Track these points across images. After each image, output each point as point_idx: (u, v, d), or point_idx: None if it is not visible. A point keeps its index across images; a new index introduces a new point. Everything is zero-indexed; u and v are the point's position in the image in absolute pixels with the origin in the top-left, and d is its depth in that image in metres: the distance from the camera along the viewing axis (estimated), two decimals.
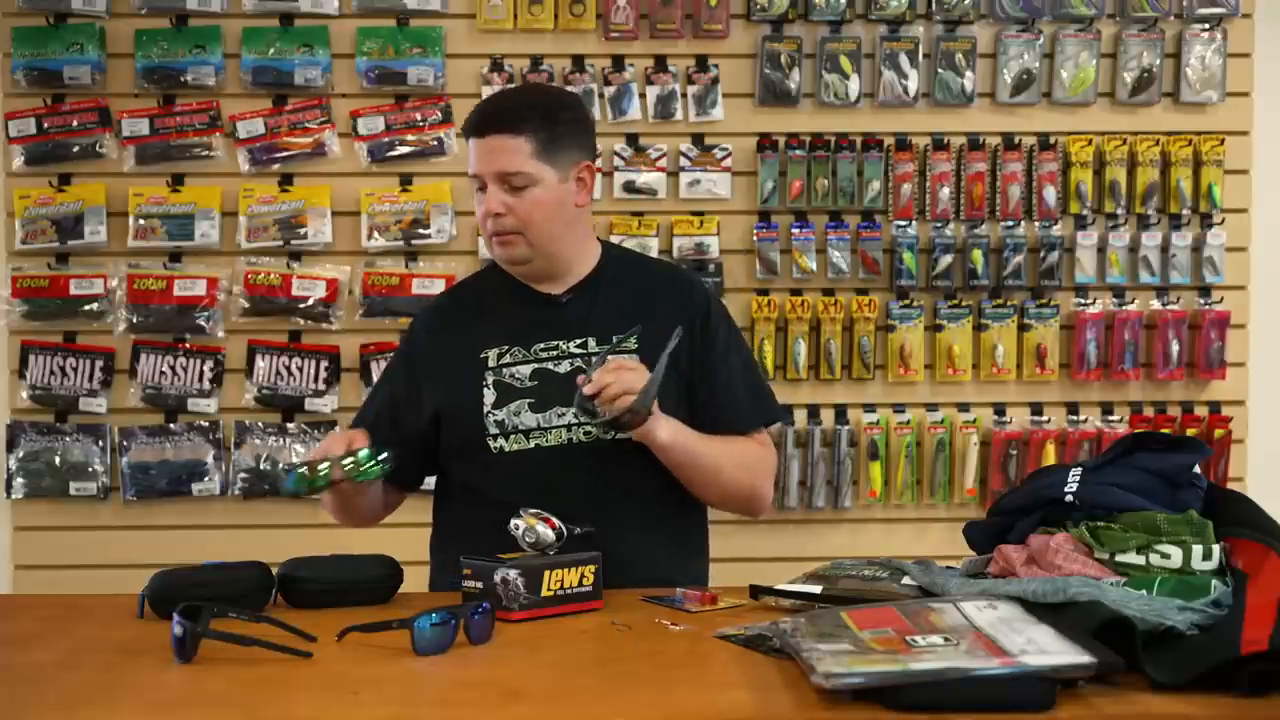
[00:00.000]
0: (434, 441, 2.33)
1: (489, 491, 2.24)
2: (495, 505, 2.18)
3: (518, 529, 1.99)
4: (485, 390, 2.28)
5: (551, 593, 1.90)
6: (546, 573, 1.90)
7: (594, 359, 2.21)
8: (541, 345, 2.29)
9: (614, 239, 3.62)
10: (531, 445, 2.25)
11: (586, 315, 2.31)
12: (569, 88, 3.65)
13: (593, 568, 1.95)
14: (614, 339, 2.26)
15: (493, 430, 2.26)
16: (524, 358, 2.29)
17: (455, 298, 2.54)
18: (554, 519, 2.01)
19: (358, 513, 2.35)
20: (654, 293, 2.36)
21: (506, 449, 2.26)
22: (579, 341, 2.29)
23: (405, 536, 2.41)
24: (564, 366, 2.27)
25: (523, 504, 2.05)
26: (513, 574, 1.88)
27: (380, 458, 2.10)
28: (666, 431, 2.18)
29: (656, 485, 2.26)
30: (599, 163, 3.64)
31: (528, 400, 2.26)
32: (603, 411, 2.11)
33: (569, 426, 2.24)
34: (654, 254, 3.63)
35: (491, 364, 2.29)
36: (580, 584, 1.93)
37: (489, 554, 1.96)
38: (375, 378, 3.62)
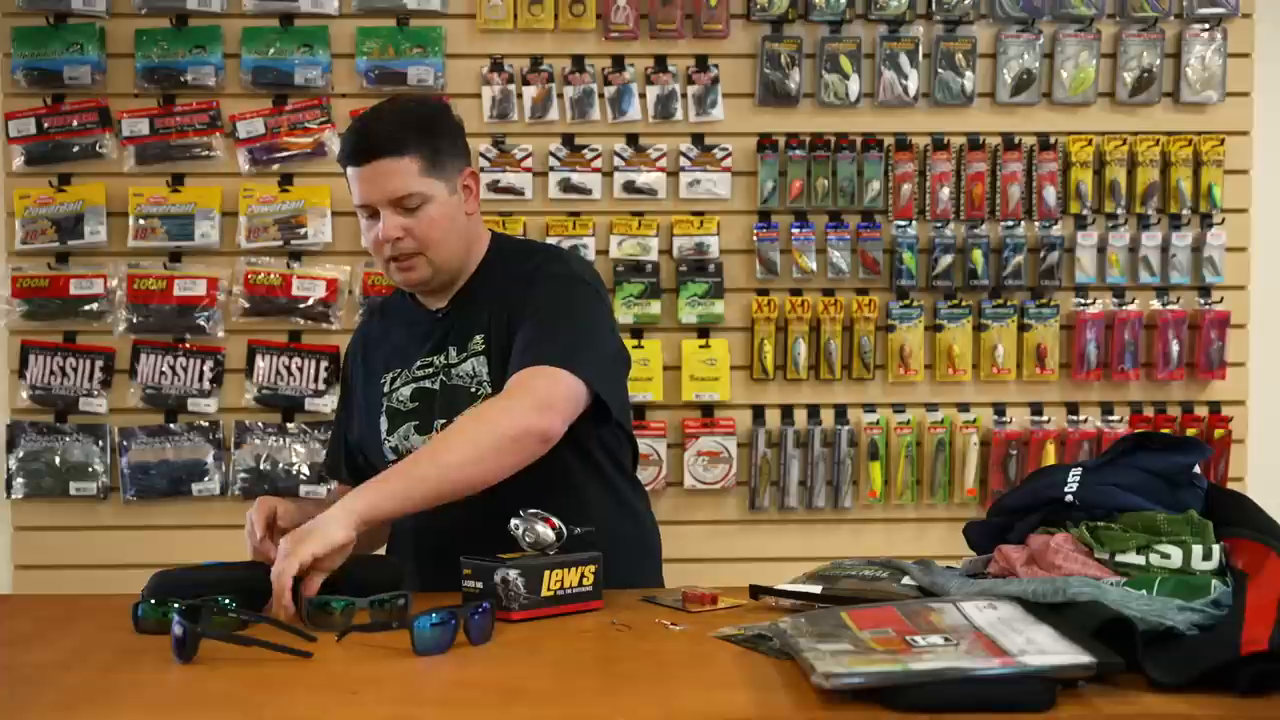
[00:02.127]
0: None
1: (401, 519, 2.12)
2: (407, 532, 2.22)
3: (518, 529, 1.99)
4: (381, 418, 2.30)
5: (551, 593, 1.91)
6: (546, 573, 1.90)
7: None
8: (419, 364, 2.30)
9: (614, 239, 3.63)
10: None
11: (456, 325, 2.29)
12: (569, 88, 3.66)
13: (593, 568, 1.95)
14: (468, 344, 2.24)
15: (390, 457, 2.27)
16: (407, 379, 2.30)
17: (371, 322, 2.52)
18: (554, 519, 2.00)
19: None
20: (506, 280, 2.28)
21: None
22: (443, 354, 2.28)
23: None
24: (435, 382, 2.27)
25: (430, 523, 2.06)
26: (513, 574, 1.88)
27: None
28: (347, 520, 1.91)
29: (543, 472, 2.11)
30: (600, 162, 3.67)
31: (413, 423, 2.27)
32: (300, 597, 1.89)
33: None
34: (654, 254, 3.64)
35: (385, 389, 2.31)
36: (580, 584, 1.94)
37: (414, 584, 1.97)
38: None
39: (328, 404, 3.65)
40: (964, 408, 3.75)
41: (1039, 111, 3.75)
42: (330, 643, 1.74)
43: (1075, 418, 3.74)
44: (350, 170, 2.23)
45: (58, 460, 3.64)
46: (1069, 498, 1.80)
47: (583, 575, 1.94)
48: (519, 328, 2.18)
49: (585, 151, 3.66)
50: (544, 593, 1.90)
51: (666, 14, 3.66)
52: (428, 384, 2.28)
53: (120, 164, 3.66)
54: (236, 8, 3.65)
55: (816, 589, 1.91)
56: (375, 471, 2.19)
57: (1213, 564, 1.67)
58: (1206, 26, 3.73)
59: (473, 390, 2.23)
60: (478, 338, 2.24)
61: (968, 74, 3.71)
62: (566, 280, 2.26)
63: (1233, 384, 3.77)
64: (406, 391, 2.28)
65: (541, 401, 2.06)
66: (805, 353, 3.69)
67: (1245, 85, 3.76)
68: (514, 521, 2.00)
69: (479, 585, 1.91)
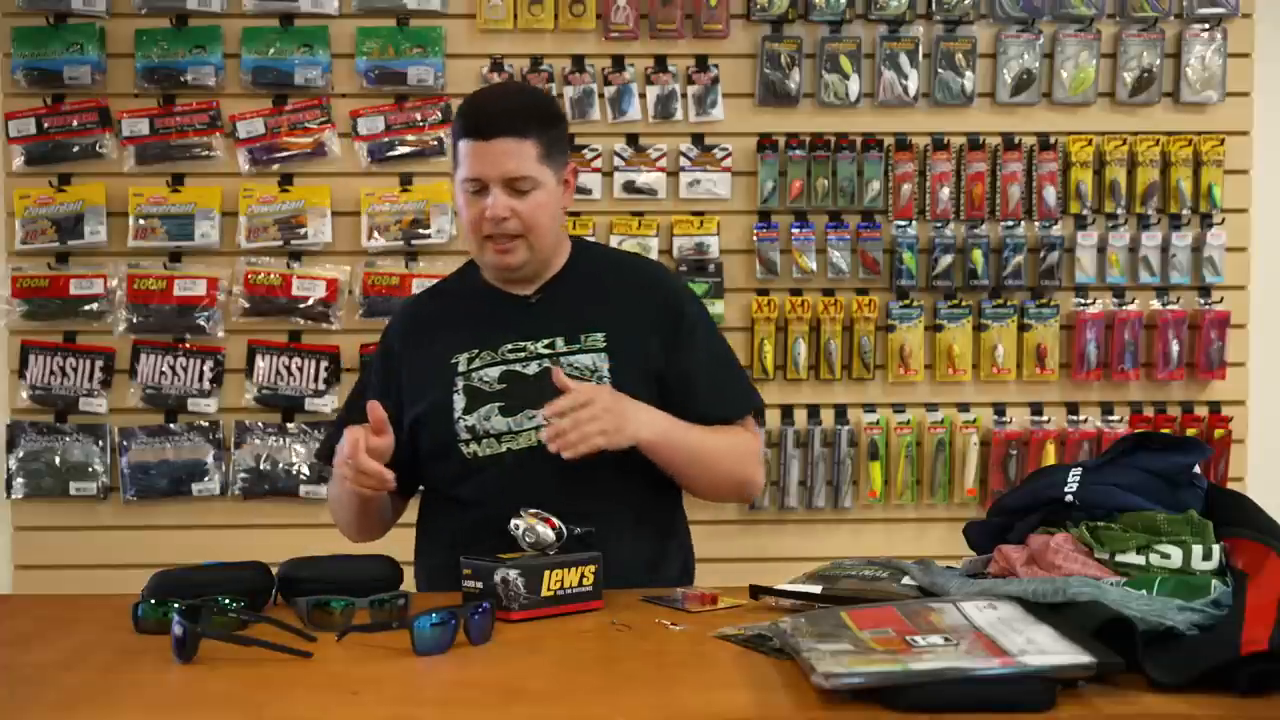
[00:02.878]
0: (415, 448, 2.32)
1: (464, 496, 2.23)
2: (471, 510, 2.19)
3: (518, 529, 2.00)
4: (456, 396, 2.27)
5: (551, 593, 1.91)
6: (546, 573, 1.90)
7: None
8: (509, 347, 2.28)
9: (614, 239, 3.63)
10: (503, 449, 2.23)
11: (553, 315, 2.29)
12: (569, 88, 3.66)
13: (593, 568, 1.95)
14: (582, 337, 2.26)
15: (464, 435, 2.25)
16: (492, 360, 2.28)
17: (424, 303, 2.50)
18: (554, 519, 2.01)
19: (370, 527, 2.36)
20: (622, 288, 2.34)
21: (479, 454, 2.24)
22: (546, 342, 2.27)
23: (405, 536, 2.41)
24: (532, 368, 2.26)
25: (497, 508, 2.04)
26: (513, 574, 1.88)
27: None
28: (650, 430, 2.16)
29: (631, 482, 2.23)
30: (600, 162, 3.67)
31: (498, 404, 2.25)
32: (568, 457, 2.05)
33: (539, 429, 2.19)
34: (654, 254, 3.63)
35: (461, 369, 2.28)
36: (580, 584, 1.94)
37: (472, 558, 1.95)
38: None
39: (328, 404, 3.65)
40: (964, 408, 3.75)
41: (1039, 111, 3.75)
42: (330, 643, 1.74)
43: (1075, 418, 3.74)
44: (467, 144, 2.22)
45: (58, 460, 3.64)
46: (1069, 498, 1.80)
47: (583, 575, 1.94)
48: (692, 357, 2.30)
49: (585, 151, 3.65)
50: (544, 593, 1.90)
51: (666, 14, 3.66)
52: (519, 367, 2.26)
53: (120, 164, 3.66)
54: (236, 8, 3.65)
55: (816, 589, 1.91)
56: (394, 454, 2.17)
57: (1213, 564, 1.67)
58: (1206, 26, 3.73)
59: (593, 384, 2.22)
60: (597, 335, 2.26)
61: (968, 74, 3.71)
62: (704, 309, 2.45)
63: (1233, 384, 3.77)
64: (494, 373, 2.26)
65: (761, 460, 2.41)
66: (805, 353, 3.69)
67: (1245, 85, 3.76)
68: (514, 522, 2.00)
69: (479, 585, 1.91)
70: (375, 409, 2.11)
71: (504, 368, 2.26)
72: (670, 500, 2.38)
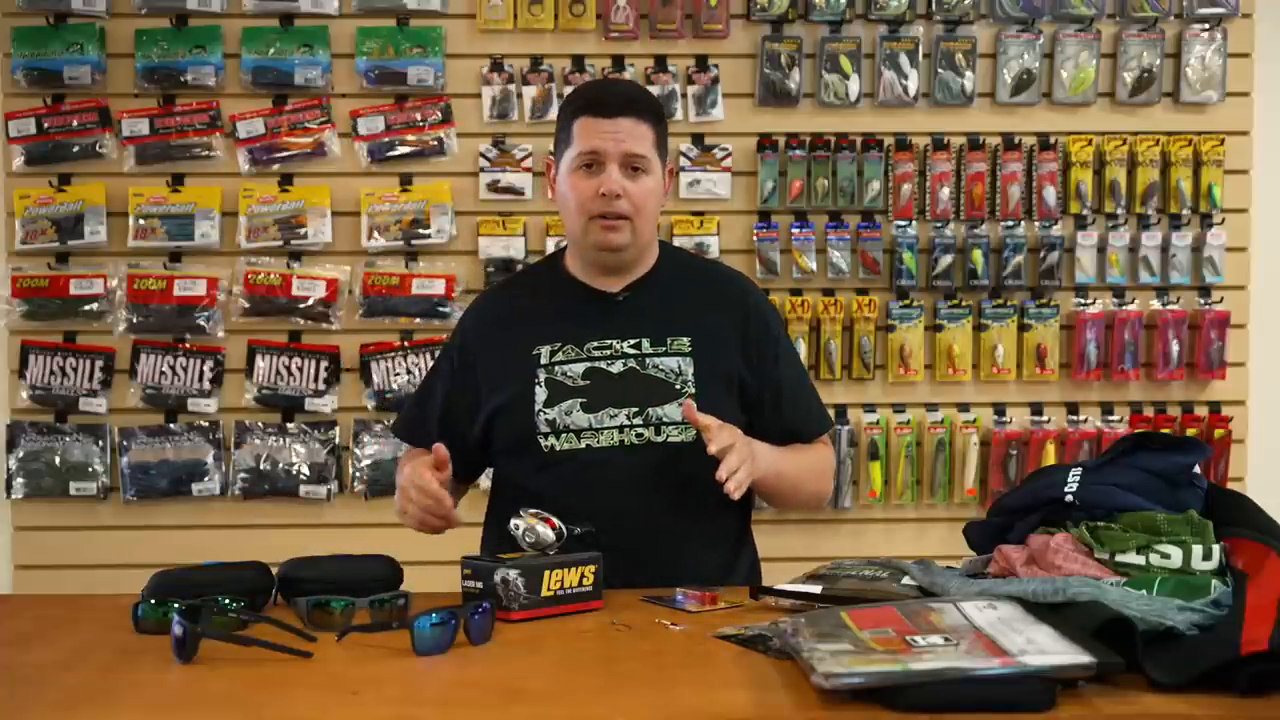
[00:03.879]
0: (488, 438, 2.32)
1: (539, 490, 2.21)
2: (545, 505, 2.17)
3: (517, 529, 2.00)
4: (537, 388, 2.26)
5: (551, 593, 1.91)
6: (547, 573, 1.90)
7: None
8: (595, 344, 2.27)
9: None
10: (582, 445, 2.23)
11: (641, 315, 2.29)
12: (569, 88, 3.65)
13: (593, 568, 1.95)
14: (668, 340, 2.27)
15: (543, 429, 2.25)
16: (576, 356, 2.27)
17: (506, 292, 2.50)
18: (554, 519, 2.01)
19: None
20: (708, 295, 2.35)
21: (557, 448, 2.24)
22: (633, 341, 2.27)
23: (404, 536, 2.41)
24: (617, 366, 2.26)
25: (570, 504, 2.05)
26: (513, 574, 1.88)
27: None
28: (765, 464, 2.20)
29: (705, 487, 2.20)
30: None
31: (580, 400, 2.25)
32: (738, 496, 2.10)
33: (620, 428, 2.23)
34: None
35: (544, 361, 2.27)
36: (580, 584, 1.93)
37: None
38: (375, 378, 3.64)
39: (328, 404, 3.65)
40: (964, 408, 3.75)
41: (1039, 111, 3.75)
42: (330, 643, 1.74)
43: (1075, 418, 3.74)
44: (587, 120, 2.22)
45: (58, 460, 3.64)
46: (1069, 498, 1.80)
47: (583, 575, 1.94)
48: (781, 371, 2.35)
49: None
50: (544, 593, 1.90)
51: (666, 14, 3.66)
52: (604, 365, 2.26)
53: (120, 164, 3.66)
54: (236, 8, 3.65)
55: (816, 589, 1.91)
56: (459, 443, 2.23)
57: (1213, 564, 1.67)
58: (1206, 26, 3.73)
59: (678, 387, 2.25)
60: (684, 340, 2.27)
61: (968, 74, 3.71)
62: (786, 330, 2.54)
63: (1233, 384, 3.77)
64: (578, 369, 2.26)
65: (833, 474, 2.49)
66: (805, 353, 3.68)
67: (1245, 85, 3.76)
68: (514, 521, 2.01)
69: (479, 585, 1.91)
70: (439, 450, 2.12)
71: (589, 364, 2.26)
72: (741, 509, 2.37)
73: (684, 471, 2.21)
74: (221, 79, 3.66)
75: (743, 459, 2.09)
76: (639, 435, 2.23)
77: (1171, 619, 1.54)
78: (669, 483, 2.22)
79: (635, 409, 2.24)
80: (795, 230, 3.69)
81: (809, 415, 2.40)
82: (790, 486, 2.33)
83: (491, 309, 2.41)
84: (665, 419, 2.23)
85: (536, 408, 2.25)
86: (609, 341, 2.27)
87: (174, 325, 3.64)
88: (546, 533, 1.99)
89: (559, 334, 2.28)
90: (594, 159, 2.22)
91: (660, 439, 2.23)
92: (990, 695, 1.41)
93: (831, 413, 3.67)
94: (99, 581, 3.00)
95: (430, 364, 3.23)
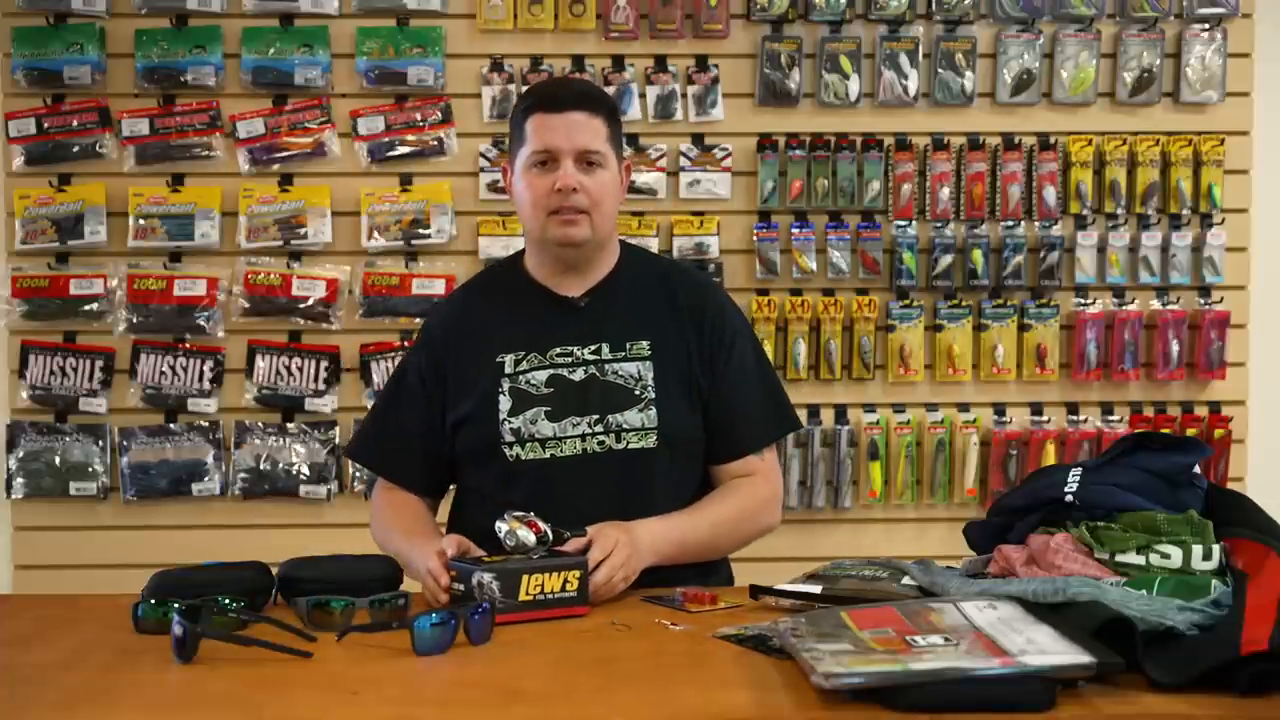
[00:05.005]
0: (452, 446, 2.32)
1: (502, 498, 2.20)
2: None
3: (501, 531, 1.99)
4: (501, 397, 2.26)
5: (530, 597, 1.89)
6: (525, 577, 1.89)
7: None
8: (558, 350, 2.27)
9: None
10: (547, 455, 2.23)
11: (602, 320, 2.29)
12: None
13: (577, 573, 1.93)
14: (628, 345, 2.26)
15: (508, 438, 2.24)
16: (540, 363, 2.27)
17: (470, 298, 2.45)
18: (539, 522, 1.99)
19: None
20: (667, 297, 2.33)
21: (522, 457, 2.24)
22: (593, 348, 2.27)
23: None
24: (579, 374, 2.26)
25: (534, 512, 2.03)
26: (487, 578, 1.87)
27: None
28: (656, 556, 2.13)
29: (671, 494, 2.25)
30: None
31: (544, 408, 2.24)
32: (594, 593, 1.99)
33: (583, 436, 2.23)
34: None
35: (508, 370, 2.27)
36: (563, 589, 1.91)
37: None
38: (375, 378, 3.63)
39: (328, 404, 3.65)
40: (964, 408, 3.75)
41: (1039, 111, 3.75)
42: (330, 643, 1.74)
43: (1075, 418, 3.74)
44: (539, 117, 2.23)
45: (58, 460, 3.64)
46: (1069, 498, 1.80)
47: (565, 580, 1.92)
48: (731, 375, 2.30)
49: None
50: (521, 597, 1.88)
51: (666, 14, 3.66)
52: (566, 373, 2.26)
53: (120, 164, 3.66)
54: (236, 8, 3.65)
55: (816, 589, 1.91)
56: (429, 460, 2.29)
57: (1213, 564, 1.67)
58: (1206, 26, 3.73)
59: (637, 393, 2.24)
60: (643, 344, 2.26)
61: (968, 74, 3.71)
62: (746, 322, 2.46)
63: (1233, 384, 3.77)
64: (542, 376, 2.25)
65: (775, 499, 2.38)
66: (805, 353, 3.69)
67: (1245, 85, 3.76)
68: (498, 524, 1.99)
69: (461, 588, 1.91)
70: (461, 543, 2.06)
71: (551, 371, 2.26)
72: None
73: (646, 478, 2.21)
74: (221, 79, 3.66)
75: (614, 567, 2.01)
76: (600, 443, 2.23)
77: (1171, 619, 1.54)
78: (631, 489, 2.21)
79: (595, 416, 2.23)
80: (795, 230, 3.69)
81: (751, 426, 2.32)
82: (705, 547, 2.25)
83: (456, 319, 2.39)
84: (625, 426, 2.23)
85: (501, 417, 2.25)
86: (570, 348, 2.27)
87: (174, 325, 3.64)
88: (528, 536, 1.97)
89: (523, 342, 2.28)
90: (548, 156, 2.22)
91: (621, 446, 2.22)
92: (990, 695, 1.41)
93: (831, 413, 3.75)
94: (99, 581, 3.00)
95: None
